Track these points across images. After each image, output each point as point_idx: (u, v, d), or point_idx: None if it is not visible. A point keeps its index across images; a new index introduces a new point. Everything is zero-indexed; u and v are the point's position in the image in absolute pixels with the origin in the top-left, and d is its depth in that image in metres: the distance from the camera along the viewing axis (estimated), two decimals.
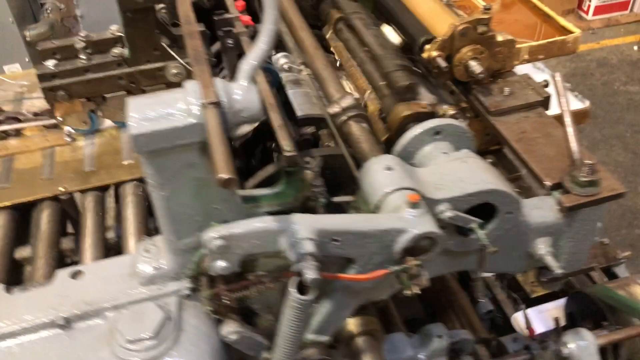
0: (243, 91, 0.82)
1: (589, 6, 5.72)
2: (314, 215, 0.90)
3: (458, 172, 1.10)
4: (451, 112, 1.47)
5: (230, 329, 0.98)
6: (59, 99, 1.28)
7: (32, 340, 0.91)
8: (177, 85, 1.32)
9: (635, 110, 4.59)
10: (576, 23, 5.70)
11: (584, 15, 5.79)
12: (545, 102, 1.42)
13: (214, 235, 0.85)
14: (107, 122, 1.40)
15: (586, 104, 1.66)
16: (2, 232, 1.23)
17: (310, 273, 0.83)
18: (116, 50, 1.30)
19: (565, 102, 1.26)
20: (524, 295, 2.30)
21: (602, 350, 1.80)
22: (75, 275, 1.00)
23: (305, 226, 0.87)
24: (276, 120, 1.10)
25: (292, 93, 1.33)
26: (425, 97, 1.38)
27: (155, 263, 0.97)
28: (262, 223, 0.86)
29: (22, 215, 1.28)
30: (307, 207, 1.04)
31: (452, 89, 1.51)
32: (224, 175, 0.68)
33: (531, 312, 2.03)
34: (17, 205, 1.26)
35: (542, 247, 1.21)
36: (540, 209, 1.20)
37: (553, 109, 1.69)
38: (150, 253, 0.99)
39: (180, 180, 0.85)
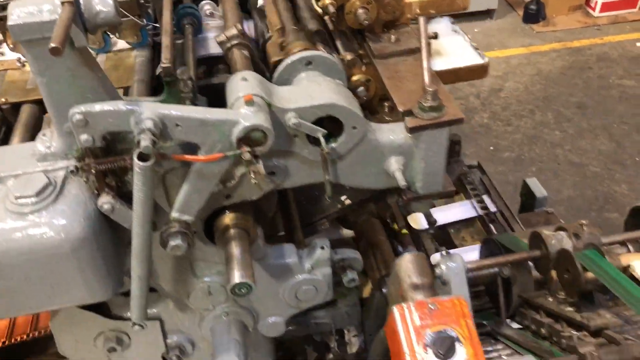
0: None
1: (595, 3, 5.78)
2: (160, 104, 1.13)
3: (309, 90, 1.31)
4: (349, 57, 1.68)
5: (104, 200, 1.21)
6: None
7: None
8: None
9: (626, 103, 4.66)
10: (583, 19, 5.78)
11: (591, 12, 5.85)
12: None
13: (76, 110, 1.09)
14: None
15: (485, 60, 1.83)
16: None
17: (145, 143, 1.06)
18: None
19: (425, 43, 1.45)
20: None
21: (494, 287, 1.98)
22: None
23: (149, 110, 1.10)
24: (165, 41, 1.34)
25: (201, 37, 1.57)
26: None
27: (48, 144, 1.22)
28: (115, 105, 1.09)
29: None
30: None
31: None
32: (52, 44, 0.92)
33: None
34: None
35: (393, 164, 1.41)
36: (393, 131, 1.40)
37: (465, 61, 1.88)
38: (47, 136, 1.23)
39: (54, 69, 1.09)
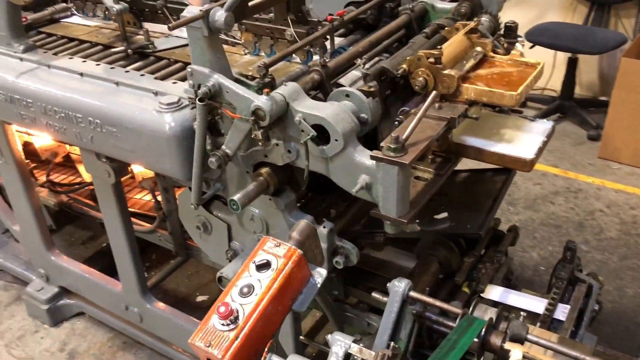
0: None
1: None
2: (224, 77, 1.98)
3: (321, 106, 1.97)
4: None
5: (195, 123, 2.15)
6: (243, 31, 2.63)
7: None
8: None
9: None
10: None
11: None
12: (451, 122, 2.02)
13: (189, 66, 2.03)
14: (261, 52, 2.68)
15: (530, 157, 2.08)
16: None
17: (200, 92, 1.95)
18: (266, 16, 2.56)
19: (422, 111, 1.91)
20: None
21: None
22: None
23: (216, 77, 1.97)
24: (277, 56, 2.19)
25: None
26: None
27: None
28: (204, 70, 1.99)
29: None
30: None
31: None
32: (171, 25, 1.87)
33: None
34: None
35: (361, 178, 1.94)
36: (366, 156, 1.93)
37: (515, 151, 2.16)
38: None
39: (194, 45, 2.05)
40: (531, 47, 5.60)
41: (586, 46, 5.40)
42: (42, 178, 3.87)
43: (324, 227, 2.23)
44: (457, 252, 2.66)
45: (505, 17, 2.59)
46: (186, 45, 2.81)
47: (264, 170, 2.18)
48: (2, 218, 3.88)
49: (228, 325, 1.56)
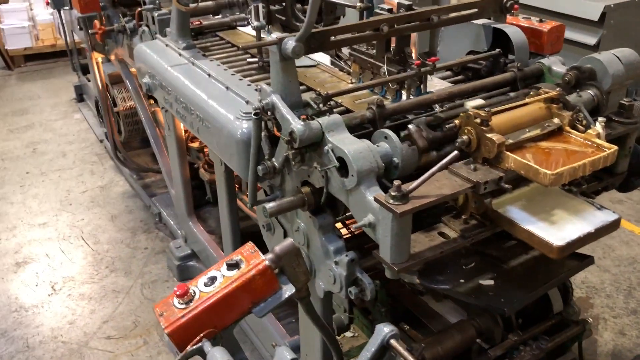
0: None
1: None
2: (280, 99, 2.22)
3: (352, 141, 2.08)
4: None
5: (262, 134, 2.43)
6: (352, 62, 2.83)
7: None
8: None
9: None
10: None
11: None
12: (476, 186, 1.96)
13: (259, 85, 2.31)
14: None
15: (557, 244, 1.89)
16: None
17: (256, 106, 2.21)
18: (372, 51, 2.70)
19: (435, 169, 1.89)
20: None
21: None
22: None
23: (273, 97, 2.21)
24: (346, 86, 2.36)
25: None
26: None
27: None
28: (267, 89, 2.25)
29: None
30: None
31: None
32: (241, 45, 2.16)
33: None
34: None
35: (367, 217, 2.01)
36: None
37: (547, 234, 2.00)
38: None
39: (273, 67, 2.33)
40: None
41: None
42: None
43: (346, 255, 2.32)
44: (500, 326, 2.51)
45: None
46: (312, 66, 3.14)
47: (305, 188, 2.36)
48: (167, 181, 4.65)
49: (181, 304, 1.82)
